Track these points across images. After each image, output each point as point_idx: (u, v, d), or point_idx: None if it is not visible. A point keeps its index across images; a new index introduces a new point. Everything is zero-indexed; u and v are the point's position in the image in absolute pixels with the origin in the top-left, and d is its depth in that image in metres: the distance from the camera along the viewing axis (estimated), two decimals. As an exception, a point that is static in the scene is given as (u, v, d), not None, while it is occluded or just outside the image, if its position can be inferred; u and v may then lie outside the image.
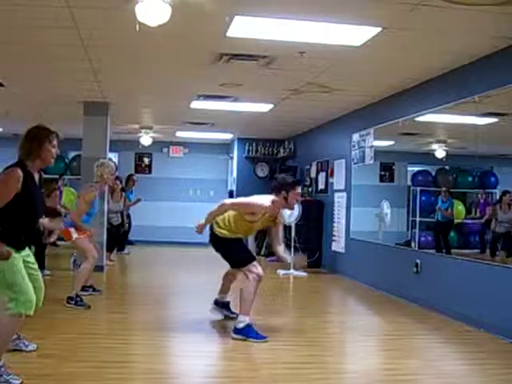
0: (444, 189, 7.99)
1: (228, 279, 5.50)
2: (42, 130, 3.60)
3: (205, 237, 5.22)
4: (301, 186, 4.99)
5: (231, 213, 4.96)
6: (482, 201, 7.86)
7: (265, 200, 4.81)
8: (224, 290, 5.53)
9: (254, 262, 4.90)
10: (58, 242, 11.35)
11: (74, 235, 6.09)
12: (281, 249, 5.15)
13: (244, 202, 4.97)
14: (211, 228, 5.10)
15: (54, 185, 8.71)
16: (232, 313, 5.40)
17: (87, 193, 6.22)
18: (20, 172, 3.42)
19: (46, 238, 7.91)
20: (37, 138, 3.55)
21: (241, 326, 4.75)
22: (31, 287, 3.50)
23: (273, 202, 4.80)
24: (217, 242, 5.06)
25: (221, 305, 5.51)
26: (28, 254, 3.65)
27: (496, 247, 7.10)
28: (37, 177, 3.64)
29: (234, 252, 5.01)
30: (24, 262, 3.54)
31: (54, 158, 3.62)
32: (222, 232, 4.99)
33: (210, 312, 5.47)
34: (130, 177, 11.56)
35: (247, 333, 4.71)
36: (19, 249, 3.49)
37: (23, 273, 3.47)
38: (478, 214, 7.92)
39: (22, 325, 3.67)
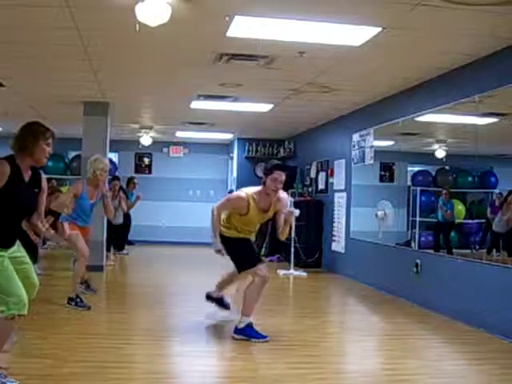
0: (445, 191, 7.98)
1: (227, 279, 5.41)
2: (39, 127, 3.48)
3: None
4: (284, 173, 4.70)
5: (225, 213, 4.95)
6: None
7: (242, 190, 4.82)
8: (221, 286, 5.43)
9: (260, 265, 4.88)
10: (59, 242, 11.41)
11: (68, 231, 5.97)
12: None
13: (224, 200, 4.91)
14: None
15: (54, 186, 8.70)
16: (224, 306, 5.36)
17: (74, 186, 6.16)
18: (8, 166, 3.28)
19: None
20: (32, 133, 3.43)
21: (241, 326, 4.76)
22: (21, 286, 3.38)
23: (257, 191, 4.77)
24: (223, 242, 4.95)
25: (210, 299, 5.43)
26: (15, 249, 3.48)
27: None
28: (28, 174, 3.48)
29: (238, 252, 4.96)
30: (11, 258, 3.40)
31: (47, 157, 3.48)
32: (228, 232, 4.95)
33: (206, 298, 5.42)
34: (130, 180, 11.47)
35: (248, 333, 4.72)
36: (6, 247, 3.38)
37: (11, 273, 3.35)
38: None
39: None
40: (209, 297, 5.48)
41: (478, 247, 7.58)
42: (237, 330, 4.77)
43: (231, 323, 5.03)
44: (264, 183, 4.72)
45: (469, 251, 7.50)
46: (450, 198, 8.06)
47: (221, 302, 5.45)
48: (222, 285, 5.47)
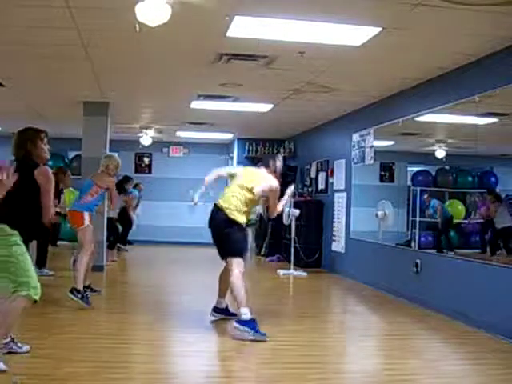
0: (426, 195, 8.03)
1: (224, 282, 5.39)
2: (33, 131, 3.90)
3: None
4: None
5: (244, 196, 5.12)
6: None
7: (272, 178, 5.28)
8: (221, 294, 5.46)
9: (241, 259, 5.00)
10: (58, 242, 11.43)
11: (87, 222, 6.08)
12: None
13: (275, 190, 5.23)
14: (218, 210, 5.13)
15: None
16: (232, 314, 5.37)
17: (105, 178, 6.35)
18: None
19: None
20: (30, 139, 3.84)
21: (245, 317, 4.74)
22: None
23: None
24: (224, 224, 5.05)
25: (219, 311, 5.46)
26: None
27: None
28: None
29: (235, 240, 5.03)
30: None
31: (48, 154, 3.95)
32: (241, 219, 5.07)
33: (211, 321, 5.40)
34: (137, 184, 12.08)
35: (252, 326, 4.70)
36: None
37: (30, 259, 3.69)
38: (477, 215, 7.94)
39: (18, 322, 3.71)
40: (216, 310, 5.46)
41: (487, 249, 7.57)
42: (241, 322, 4.75)
43: (232, 323, 5.03)
44: (274, 171, 5.40)
45: (469, 251, 7.51)
46: (435, 198, 8.13)
47: (227, 313, 5.44)
48: (222, 291, 5.45)
